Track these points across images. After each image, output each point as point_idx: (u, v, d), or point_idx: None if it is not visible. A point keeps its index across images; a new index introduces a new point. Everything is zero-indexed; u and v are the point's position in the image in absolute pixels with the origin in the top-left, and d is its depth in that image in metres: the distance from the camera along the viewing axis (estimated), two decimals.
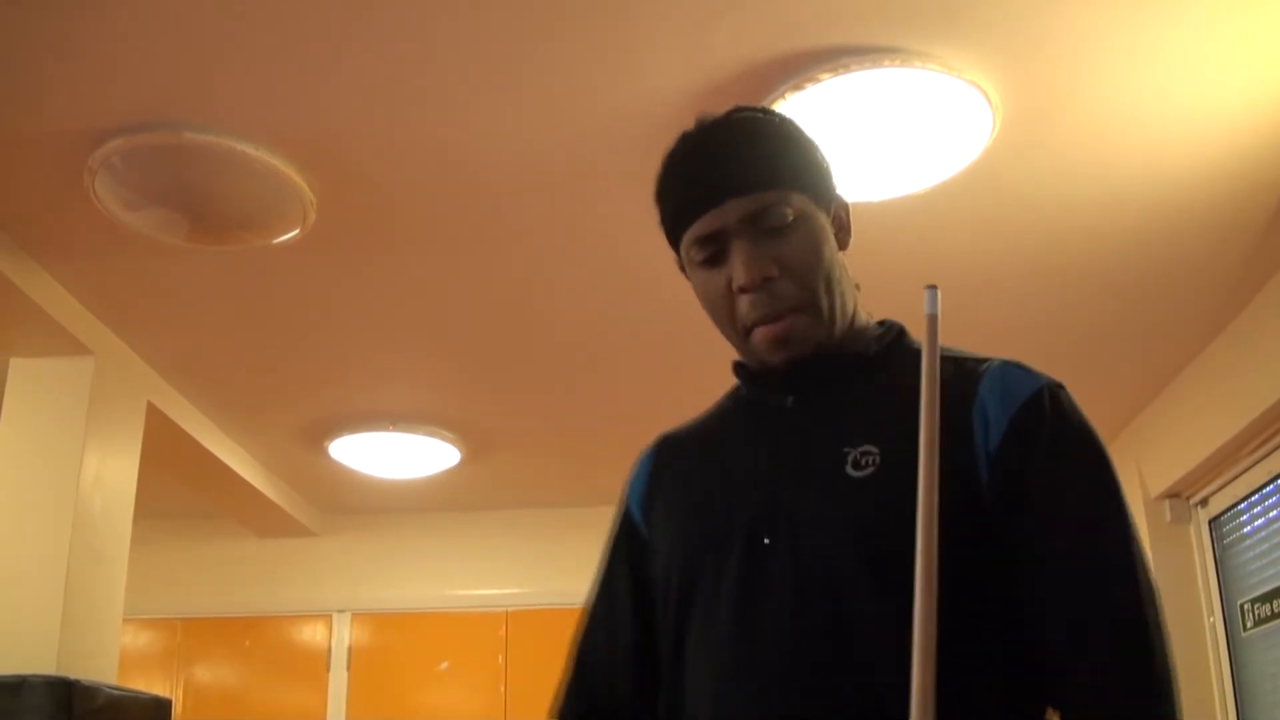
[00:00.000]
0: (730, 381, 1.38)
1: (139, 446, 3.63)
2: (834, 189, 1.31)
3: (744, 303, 1.22)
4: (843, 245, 1.30)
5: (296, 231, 2.78)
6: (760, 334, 1.23)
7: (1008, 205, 2.77)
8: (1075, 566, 1.11)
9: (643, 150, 2.48)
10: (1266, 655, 3.66)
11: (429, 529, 5.53)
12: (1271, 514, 3.63)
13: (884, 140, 2.44)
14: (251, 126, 2.43)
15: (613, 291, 3.21)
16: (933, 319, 1.08)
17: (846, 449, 1.18)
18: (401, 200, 2.74)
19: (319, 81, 2.29)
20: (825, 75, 2.23)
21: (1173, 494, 4.13)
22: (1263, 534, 3.70)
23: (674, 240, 1.30)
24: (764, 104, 2.31)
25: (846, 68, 2.21)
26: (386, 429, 4.28)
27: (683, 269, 1.32)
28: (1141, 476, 4.25)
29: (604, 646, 1.36)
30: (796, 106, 2.30)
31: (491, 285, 3.17)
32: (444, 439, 4.40)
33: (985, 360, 1.22)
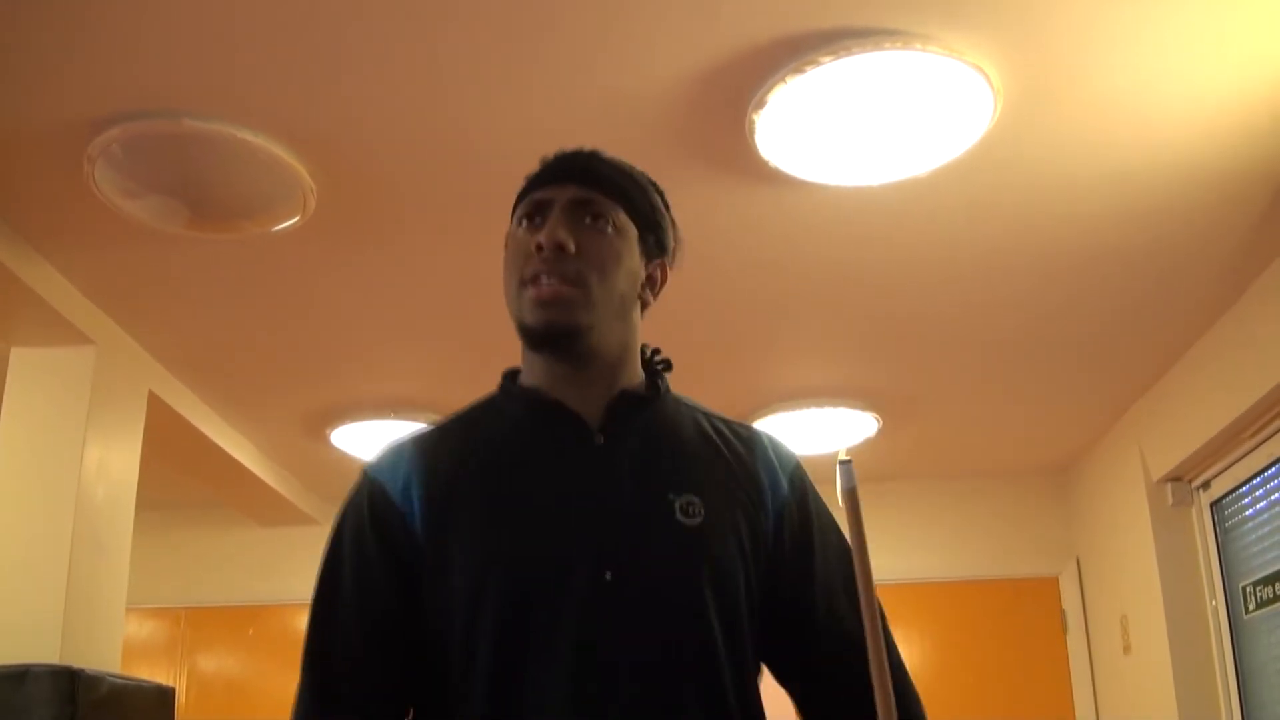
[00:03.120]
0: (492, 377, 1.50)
1: (141, 436, 3.63)
2: (665, 252, 1.46)
3: (534, 260, 1.35)
4: (644, 301, 1.45)
5: (297, 219, 2.78)
6: (531, 291, 1.35)
7: (1008, 188, 2.76)
8: (841, 588, 1.39)
9: (644, 135, 2.47)
10: (1269, 638, 3.66)
11: None
12: (1273, 497, 3.63)
13: (885, 123, 2.44)
14: (251, 114, 2.43)
15: None
16: (851, 493, 1.14)
17: (671, 496, 1.33)
18: (402, 187, 2.74)
19: (319, 69, 2.29)
20: (826, 58, 2.22)
21: (1174, 477, 4.13)
22: (1264, 517, 3.70)
23: (515, 210, 1.45)
24: (765, 86, 2.31)
25: (847, 50, 2.21)
26: (389, 417, 4.28)
27: (507, 244, 1.45)
28: (1143, 460, 4.25)
29: (352, 639, 1.39)
30: (797, 89, 2.30)
31: (493, 272, 3.14)
32: None
33: (749, 427, 1.47)
